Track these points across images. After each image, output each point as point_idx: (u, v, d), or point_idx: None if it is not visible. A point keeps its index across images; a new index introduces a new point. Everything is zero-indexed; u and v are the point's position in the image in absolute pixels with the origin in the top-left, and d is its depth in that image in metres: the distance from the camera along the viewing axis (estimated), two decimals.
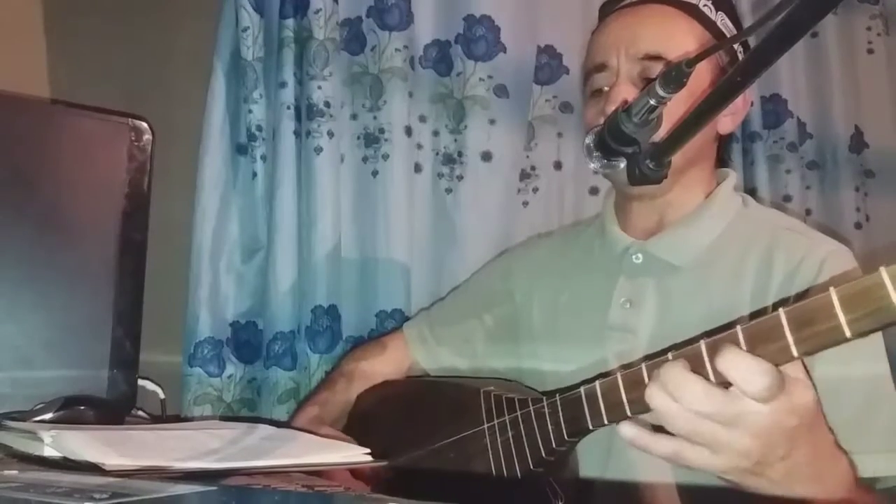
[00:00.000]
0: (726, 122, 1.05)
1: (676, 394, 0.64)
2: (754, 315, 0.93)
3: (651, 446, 0.67)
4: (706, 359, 0.66)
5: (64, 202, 0.98)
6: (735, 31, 1.06)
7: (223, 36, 1.44)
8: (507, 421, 0.93)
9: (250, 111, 1.41)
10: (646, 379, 0.72)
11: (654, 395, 0.65)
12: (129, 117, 1.02)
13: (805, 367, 0.67)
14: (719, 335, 0.66)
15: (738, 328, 0.64)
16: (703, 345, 0.66)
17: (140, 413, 1.05)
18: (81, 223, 0.99)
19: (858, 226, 1.73)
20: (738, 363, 0.62)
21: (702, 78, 0.98)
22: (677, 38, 0.99)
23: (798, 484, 0.70)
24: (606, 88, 1.01)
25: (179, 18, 1.63)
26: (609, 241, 1.08)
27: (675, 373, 0.64)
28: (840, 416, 0.80)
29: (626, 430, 0.68)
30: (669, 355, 0.69)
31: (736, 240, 1.00)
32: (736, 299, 0.96)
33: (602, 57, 1.03)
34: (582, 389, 0.81)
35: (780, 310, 0.61)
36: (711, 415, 0.64)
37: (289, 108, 1.38)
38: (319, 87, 1.38)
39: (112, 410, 0.92)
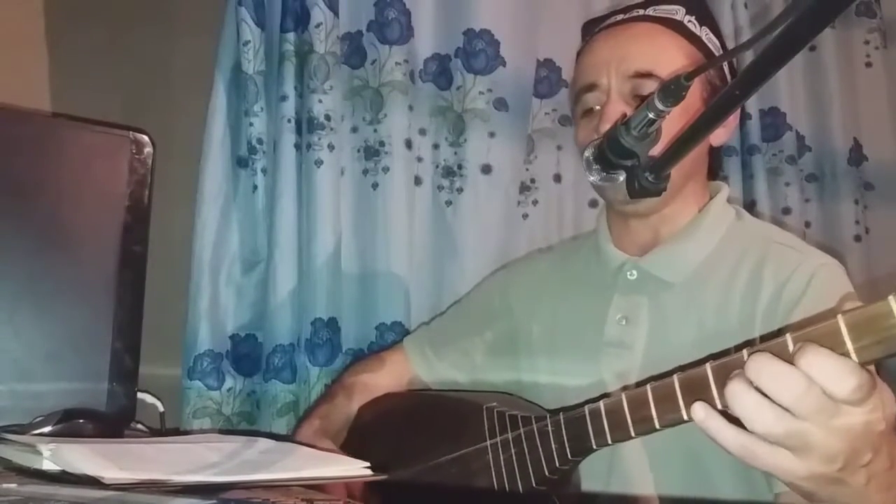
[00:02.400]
0: (720, 133, 1.06)
1: (769, 386, 0.57)
2: (743, 331, 0.93)
3: (720, 434, 0.61)
4: (713, 385, 0.64)
5: (65, 215, 0.98)
6: (719, 45, 1.07)
7: (224, 49, 1.44)
8: (510, 438, 0.93)
9: (251, 124, 1.41)
10: (650, 400, 0.71)
11: (741, 393, 0.58)
12: (130, 130, 1.02)
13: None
14: (724, 359, 0.64)
15: (745, 352, 0.62)
16: (708, 367, 0.64)
17: (139, 426, 1.04)
18: (82, 236, 0.99)
19: (858, 238, 1.73)
20: (825, 363, 0.56)
21: (693, 93, 0.99)
22: (666, 54, 1.00)
23: (875, 493, 0.65)
24: (598, 107, 1.01)
25: (180, 32, 1.64)
26: (604, 257, 1.09)
27: (767, 363, 0.58)
28: None
29: (699, 410, 0.62)
30: (675, 377, 0.68)
31: (728, 254, 1.00)
32: (726, 314, 0.96)
33: (592, 76, 1.03)
34: (586, 408, 0.81)
35: (787, 335, 0.60)
36: (809, 413, 0.57)
37: (289, 121, 1.38)
38: (320, 101, 1.39)
39: (111, 423, 0.92)
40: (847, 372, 0.56)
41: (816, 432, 0.58)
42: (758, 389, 0.58)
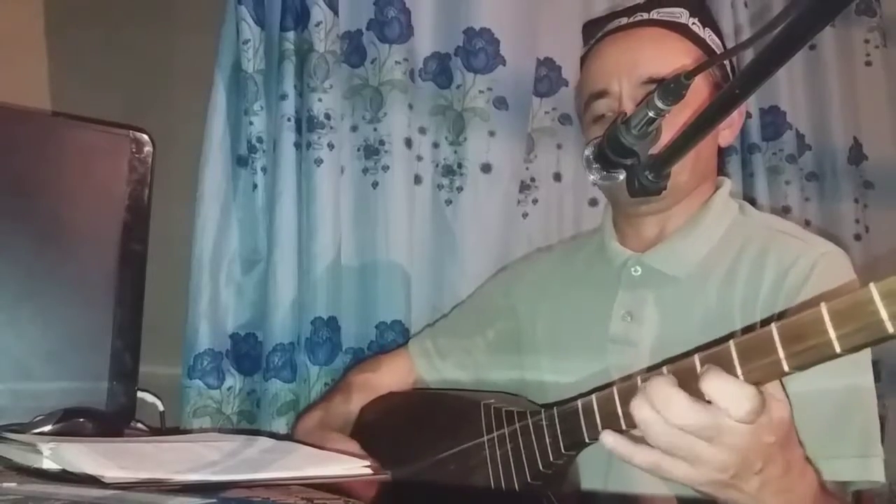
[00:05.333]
0: (726, 134, 1.07)
1: (661, 407, 0.65)
2: (745, 322, 0.94)
3: (632, 456, 0.69)
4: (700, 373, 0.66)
5: (65, 214, 0.98)
6: (722, 47, 1.07)
7: (224, 48, 1.44)
8: (506, 433, 0.93)
9: (251, 123, 1.41)
10: None
11: (639, 407, 0.67)
12: (130, 129, 1.02)
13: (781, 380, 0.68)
14: (712, 349, 0.65)
15: (731, 343, 0.64)
16: (696, 359, 0.66)
17: (139, 425, 1.05)
18: (82, 235, 0.99)
19: (858, 237, 1.74)
20: (722, 388, 0.63)
21: (700, 92, 0.99)
22: (676, 59, 1.00)
23: (770, 496, 0.71)
24: (609, 114, 1.02)
25: (180, 31, 1.64)
26: (608, 255, 1.09)
27: (662, 387, 0.65)
28: (816, 421, 0.82)
29: (608, 438, 0.70)
30: (664, 369, 0.69)
31: (732, 247, 1.01)
32: (729, 306, 0.96)
33: (602, 83, 1.03)
34: (578, 402, 0.81)
35: (773, 324, 0.61)
36: (693, 430, 0.65)
37: (289, 119, 1.38)
38: (320, 100, 1.38)
39: (111, 422, 0.92)
40: (743, 397, 0.62)
41: (704, 447, 0.65)
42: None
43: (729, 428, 0.64)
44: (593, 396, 0.79)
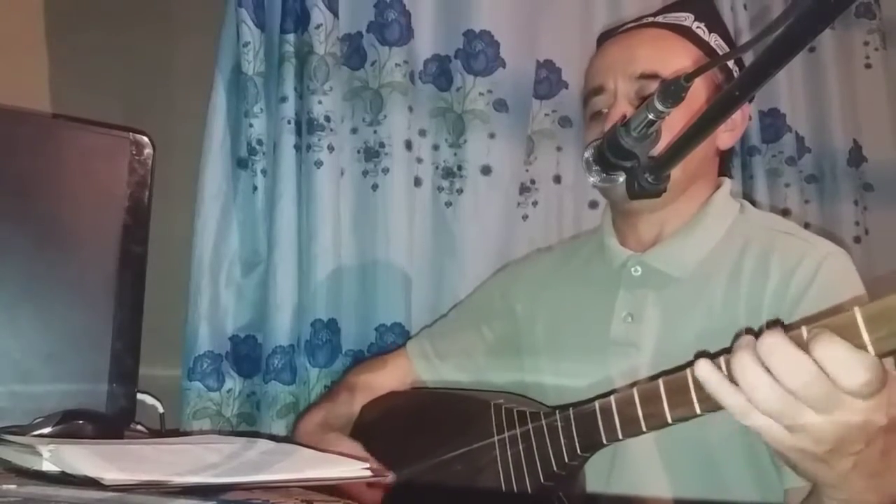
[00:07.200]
0: (725, 138, 1.07)
1: (778, 368, 0.58)
2: (750, 323, 0.93)
3: (721, 393, 0.62)
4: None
5: (65, 216, 0.98)
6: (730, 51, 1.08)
7: (224, 50, 1.45)
8: (519, 434, 0.93)
9: (251, 125, 1.41)
10: (662, 395, 0.71)
11: (748, 366, 0.60)
12: (130, 131, 1.02)
13: None
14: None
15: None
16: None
17: (139, 427, 1.04)
18: (82, 237, 0.99)
19: (857, 239, 1.74)
20: (838, 354, 0.57)
21: (698, 95, 0.99)
22: (672, 57, 1.01)
23: (858, 478, 0.66)
24: (605, 110, 1.02)
25: (180, 33, 1.64)
26: (608, 255, 1.09)
27: (781, 345, 0.59)
28: None
29: (704, 367, 0.63)
30: (688, 371, 0.68)
31: (733, 247, 1.01)
32: (732, 306, 0.96)
33: (599, 80, 1.04)
34: (596, 403, 0.81)
35: (804, 327, 0.60)
36: (809, 400, 0.59)
37: (289, 122, 1.39)
38: (320, 102, 1.39)
39: (111, 424, 0.92)
40: (860, 365, 0.57)
41: (814, 417, 0.59)
42: (766, 367, 0.59)
43: (845, 403, 0.58)
44: (612, 398, 0.79)
